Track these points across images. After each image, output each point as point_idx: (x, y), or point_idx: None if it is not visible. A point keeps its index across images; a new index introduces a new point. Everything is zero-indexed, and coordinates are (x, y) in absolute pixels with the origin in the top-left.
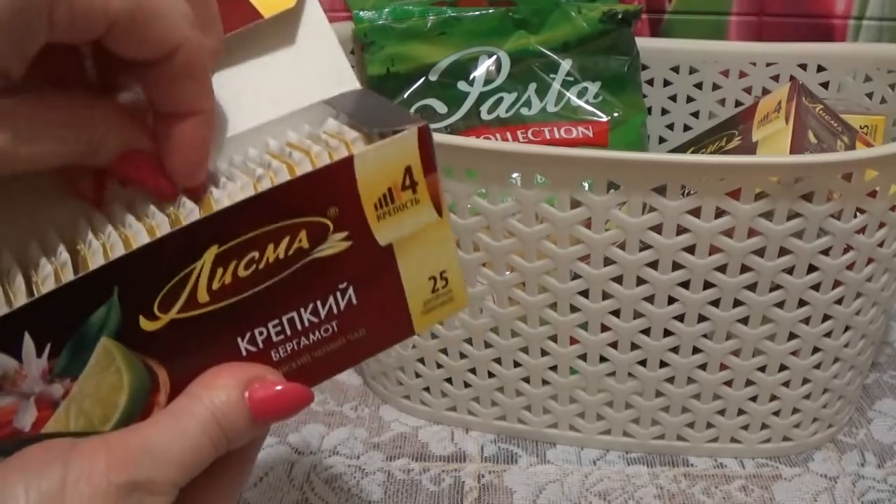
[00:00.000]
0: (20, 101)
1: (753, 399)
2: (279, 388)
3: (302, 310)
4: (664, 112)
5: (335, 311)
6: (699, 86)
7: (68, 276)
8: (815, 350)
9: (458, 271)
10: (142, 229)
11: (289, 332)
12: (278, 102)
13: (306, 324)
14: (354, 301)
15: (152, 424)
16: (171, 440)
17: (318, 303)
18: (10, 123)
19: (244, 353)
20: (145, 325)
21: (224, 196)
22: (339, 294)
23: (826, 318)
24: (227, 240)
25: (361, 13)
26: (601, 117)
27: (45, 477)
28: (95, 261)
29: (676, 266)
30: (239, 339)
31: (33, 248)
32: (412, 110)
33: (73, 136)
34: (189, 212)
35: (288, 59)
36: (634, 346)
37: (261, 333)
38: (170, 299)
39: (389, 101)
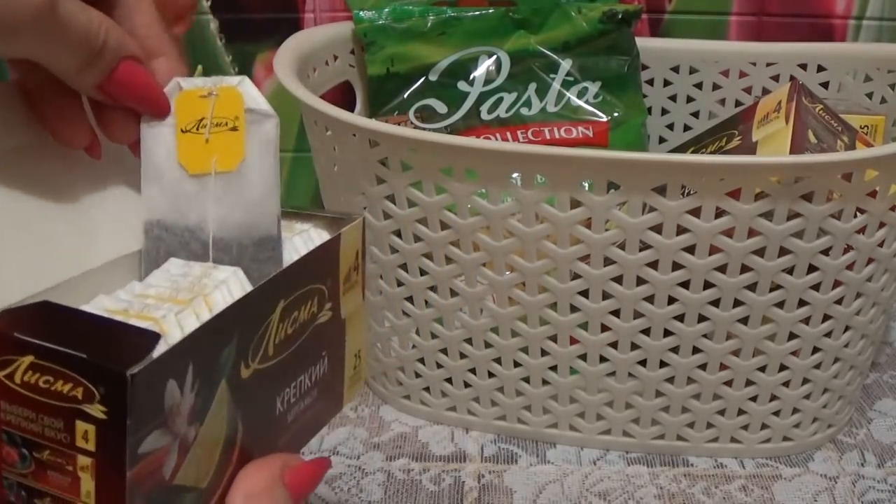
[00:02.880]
0: None
1: (753, 399)
2: (304, 467)
3: (304, 374)
4: (664, 112)
5: (317, 377)
6: (699, 86)
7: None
8: (815, 350)
9: (366, 353)
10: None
11: (298, 395)
12: None
13: (304, 388)
14: (326, 370)
15: None
16: None
17: (314, 367)
18: None
19: (277, 412)
20: (243, 372)
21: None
22: (321, 361)
23: (826, 318)
24: (289, 294)
25: (361, 13)
26: (601, 117)
27: None
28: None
29: (676, 266)
30: (277, 399)
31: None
32: (412, 110)
33: (96, 21)
34: (231, 274)
35: None
36: (634, 346)
37: (286, 394)
38: (256, 349)
39: None
